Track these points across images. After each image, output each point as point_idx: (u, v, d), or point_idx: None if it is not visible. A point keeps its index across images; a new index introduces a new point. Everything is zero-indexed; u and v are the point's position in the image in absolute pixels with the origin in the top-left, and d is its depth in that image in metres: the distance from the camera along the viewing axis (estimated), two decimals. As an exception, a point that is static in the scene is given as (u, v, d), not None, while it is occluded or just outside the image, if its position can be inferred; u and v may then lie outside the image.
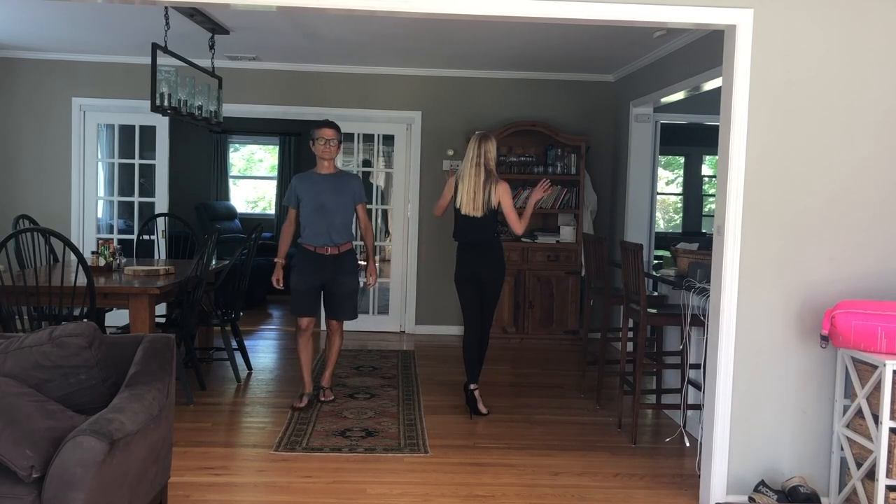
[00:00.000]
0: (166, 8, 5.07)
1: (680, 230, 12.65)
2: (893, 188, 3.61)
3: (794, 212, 3.61)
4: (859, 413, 3.48)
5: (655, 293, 5.58)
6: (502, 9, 3.52)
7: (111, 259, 5.43)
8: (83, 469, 2.38)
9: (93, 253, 5.58)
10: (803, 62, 3.57)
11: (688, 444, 4.58)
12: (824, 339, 3.48)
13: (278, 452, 4.28)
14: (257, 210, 12.71)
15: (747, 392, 3.67)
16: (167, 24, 5.18)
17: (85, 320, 4.50)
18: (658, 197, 13.28)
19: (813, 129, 3.59)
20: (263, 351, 6.89)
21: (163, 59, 5.11)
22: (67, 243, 4.42)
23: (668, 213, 13.64)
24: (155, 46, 4.94)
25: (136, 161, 7.72)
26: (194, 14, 5.43)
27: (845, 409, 3.62)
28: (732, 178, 3.59)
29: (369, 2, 3.48)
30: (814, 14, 3.56)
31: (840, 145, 3.60)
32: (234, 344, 5.98)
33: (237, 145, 12.57)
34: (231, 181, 12.31)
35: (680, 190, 13.02)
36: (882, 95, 3.60)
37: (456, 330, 7.74)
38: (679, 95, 6.25)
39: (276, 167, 12.12)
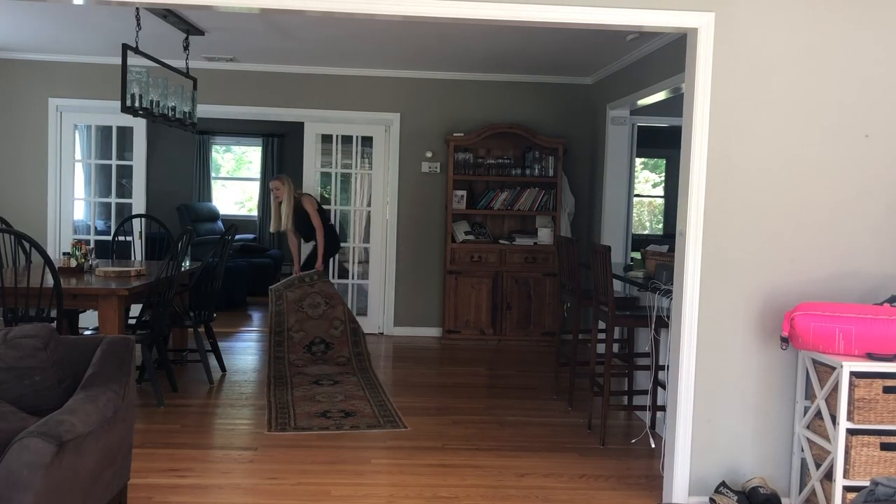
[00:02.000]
0: (137, 9, 5.06)
1: (664, 233, 12.68)
2: (852, 190, 3.64)
3: (754, 214, 3.63)
4: (818, 414, 3.50)
5: (629, 295, 5.60)
6: (477, 13, 3.54)
7: (83, 260, 5.41)
8: (30, 471, 2.37)
9: (64, 254, 5.56)
10: (764, 66, 3.60)
11: (654, 446, 4.59)
12: (784, 340, 3.50)
13: (271, 433, 4.59)
14: (243, 211, 12.68)
15: (709, 393, 3.69)
16: (138, 24, 5.17)
17: (54, 321, 4.53)
18: (644, 199, 13.39)
19: (774, 132, 3.62)
20: (240, 353, 6.88)
21: (135, 60, 5.10)
22: (35, 245, 4.40)
23: (655, 215, 13.67)
24: (125, 47, 4.94)
25: (114, 162, 7.70)
26: (167, 15, 5.43)
27: (805, 410, 3.65)
28: (694, 180, 3.61)
29: (349, 4, 3.49)
30: (774, 18, 3.58)
31: (800, 148, 3.63)
32: (207, 346, 5.97)
33: (224, 146, 12.55)
34: (215, 182, 12.29)
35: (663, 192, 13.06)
36: (841, 98, 3.62)
37: (434, 332, 7.76)
38: (656, 97, 6.27)
39: (260, 168, 12.11)
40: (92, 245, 6.04)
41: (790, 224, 3.63)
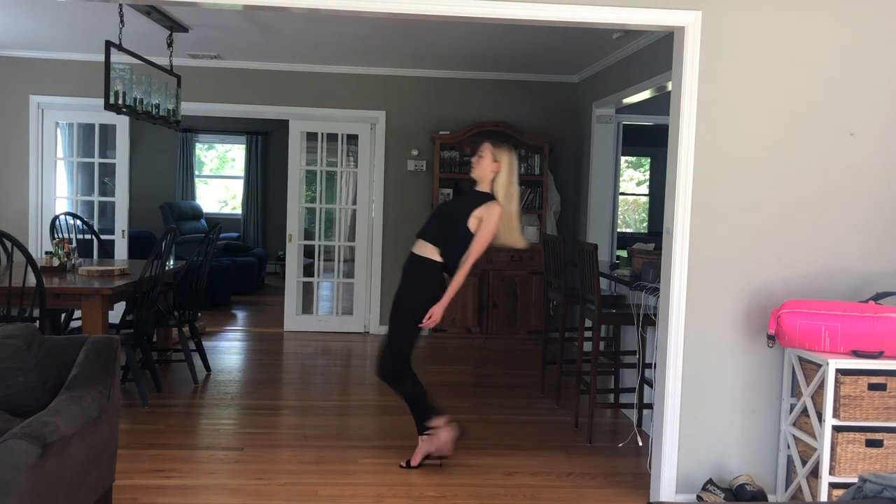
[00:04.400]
0: (120, 5, 5.01)
1: (648, 231, 12.74)
2: (838, 189, 3.66)
3: (741, 212, 3.64)
4: (805, 412, 3.52)
5: (615, 293, 5.60)
6: (462, 10, 3.54)
7: (66, 259, 5.36)
8: (14, 473, 2.34)
9: (47, 253, 5.50)
10: (750, 64, 3.61)
11: (641, 444, 4.60)
12: (771, 338, 3.51)
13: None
14: (227, 210, 12.61)
15: (696, 391, 3.70)
16: (122, 21, 5.12)
17: (37, 321, 4.47)
18: (629, 198, 13.44)
19: (760, 130, 3.63)
20: (225, 352, 6.83)
21: (118, 57, 5.05)
22: (16, 244, 4.35)
23: (640, 213, 13.74)
24: (108, 44, 4.89)
25: (97, 160, 7.63)
26: (151, 12, 5.38)
27: (792, 407, 3.67)
28: (681, 178, 3.61)
29: (333, 1, 3.47)
30: (762, 17, 3.59)
31: (787, 146, 3.64)
32: (192, 345, 5.93)
33: (209, 144, 12.47)
34: (199, 180, 12.22)
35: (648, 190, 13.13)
36: (827, 97, 3.64)
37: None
38: (642, 96, 6.28)
39: (244, 166, 12.05)
40: (74, 244, 5.97)
41: (777, 222, 3.64)
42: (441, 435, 4.11)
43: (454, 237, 4.08)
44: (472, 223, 4.04)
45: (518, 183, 4.16)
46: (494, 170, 4.08)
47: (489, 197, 4.08)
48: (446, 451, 4.17)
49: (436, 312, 4.13)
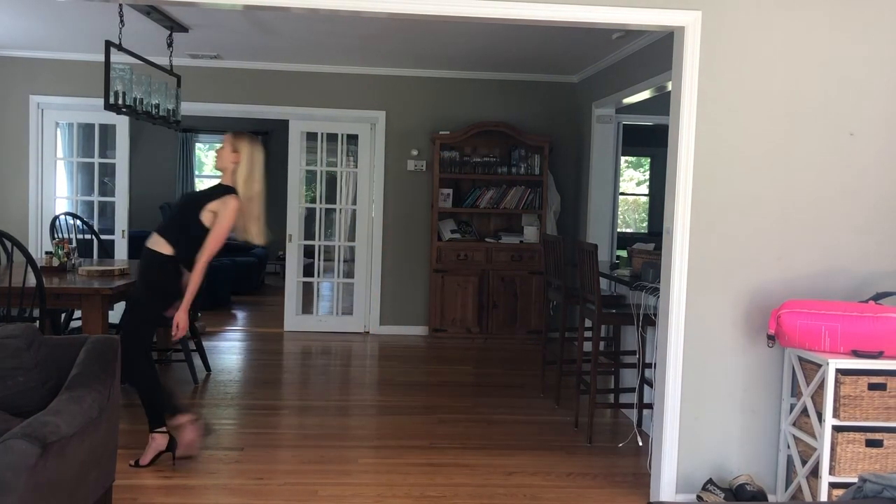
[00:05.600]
0: (120, 5, 5.01)
1: (648, 231, 12.74)
2: (838, 189, 3.66)
3: (741, 212, 3.64)
4: (805, 411, 3.52)
5: (615, 293, 5.61)
6: (462, 10, 3.54)
7: (65, 259, 5.36)
8: (14, 473, 2.34)
9: (47, 253, 5.50)
10: (751, 64, 3.61)
11: (641, 444, 4.60)
12: (771, 338, 3.52)
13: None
14: (226, 209, 12.59)
15: (696, 391, 3.70)
16: (122, 21, 5.12)
17: (37, 321, 4.47)
18: (629, 198, 13.45)
19: (760, 130, 3.63)
20: (225, 352, 6.83)
21: (118, 57, 5.05)
22: (16, 244, 4.35)
23: (640, 213, 13.75)
24: (108, 44, 4.88)
25: (96, 160, 7.63)
26: (151, 11, 5.38)
27: (792, 407, 3.67)
28: (681, 178, 3.62)
29: (334, 2, 3.48)
30: (761, 16, 3.59)
31: (787, 146, 3.64)
32: (192, 345, 5.92)
33: (209, 144, 12.46)
34: (199, 180, 12.21)
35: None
36: (827, 97, 3.64)
37: (420, 330, 7.74)
38: (641, 96, 6.29)
39: (244, 167, 12.04)
40: (74, 244, 5.97)
41: (777, 222, 3.64)
42: (186, 434, 4.03)
43: (187, 230, 3.95)
44: (205, 217, 3.91)
45: (262, 174, 4.04)
46: (234, 160, 3.98)
47: (228, 190, 3.98)
48: (193, 452, 4.09)
49: (180, 320, 3.95)
